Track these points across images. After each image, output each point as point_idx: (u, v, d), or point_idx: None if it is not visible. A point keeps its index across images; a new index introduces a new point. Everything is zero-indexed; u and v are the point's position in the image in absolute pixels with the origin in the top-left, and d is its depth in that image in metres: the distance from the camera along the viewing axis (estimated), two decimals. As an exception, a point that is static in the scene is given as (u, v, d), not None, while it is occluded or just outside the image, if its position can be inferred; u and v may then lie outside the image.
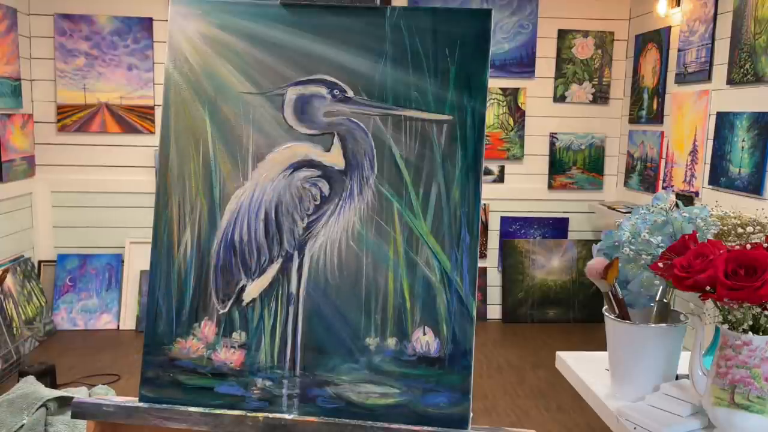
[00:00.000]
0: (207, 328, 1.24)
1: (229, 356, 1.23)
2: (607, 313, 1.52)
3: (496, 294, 5.05)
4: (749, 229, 1.45)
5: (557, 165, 5.01)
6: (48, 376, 3.32)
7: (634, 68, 4.74)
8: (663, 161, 4.28)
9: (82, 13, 4.53)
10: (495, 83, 4.84)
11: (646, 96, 4.54)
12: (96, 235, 4.72)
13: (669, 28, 4.25)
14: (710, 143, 3.67)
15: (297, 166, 1.24)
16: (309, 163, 1.23)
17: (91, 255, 4.68)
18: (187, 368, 1.23)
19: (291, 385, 1.21)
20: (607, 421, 1.48)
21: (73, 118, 4.59)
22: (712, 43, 3.68)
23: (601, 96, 4.97)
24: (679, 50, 4.06)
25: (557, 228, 5.07)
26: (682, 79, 4.01)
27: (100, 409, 1.21)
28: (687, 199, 3.84)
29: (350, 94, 1.23)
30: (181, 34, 1.27)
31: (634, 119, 4.74)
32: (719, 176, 3.55)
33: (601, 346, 1.60)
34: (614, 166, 5.05)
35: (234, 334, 1.23)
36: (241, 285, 1.24)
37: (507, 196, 4.99)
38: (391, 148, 1.22)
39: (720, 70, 3.61)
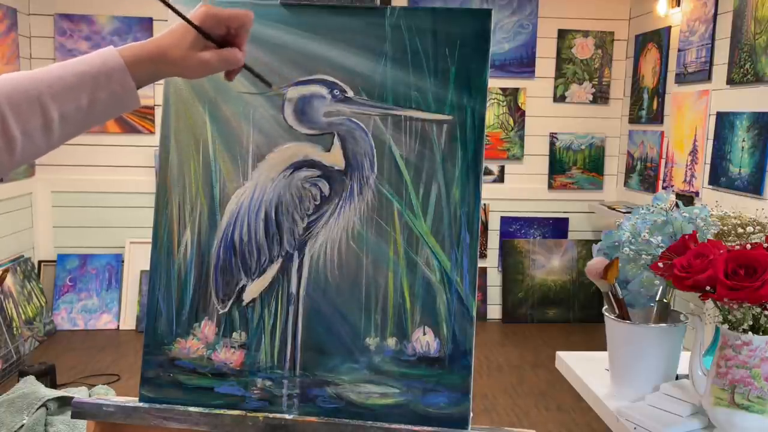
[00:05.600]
0: (207, 328, 1.24)
1: (229, 356, 1.23)
2: (607, 313, 1.52)
3: (496, 294, 5.05)
4: (749, 229, 1.45)
5: (557, 165, 5.01)
6: (48, 376, 3.32)
7: (634, 68, 4.74)
8: (663, 161, 4.28)
9: (82, 13, 4.53)
10: (495, 83, 4.84)
11: (646, 96, 4.54)
12: (96, 235, 4.72)
13: (669, 28, 4.25)
14: (710, 143, 3.67)
15: (297, 166, 1.24)
16: (309, 163, 1.23)
17: (91, 255, 4.68)
18: (187, 368, 1.23)
19: (291, 385, 1.21)
20: (607, 421, 1.48)
21: (73, 118, 4.59)
22: (712, 43, 3.68)
23: (601, 96, 4.97)
24: (679, 50, 4.06)
25: (557, 228, 5.07)
26: (682, 79, 4.01)
27: (100, 409, 1.21)
28: (687, 199, 3.84)
29: (350, 94, 1.23)
30: (181, 34, 1.27)
31: (634, 119, 4.74)
32: (719, 176, 3.55)
33: (601, 346, 1.60)
34: (614, 166, 5.05)
35: (234, 334, 1.23)
36: (241, 285, 1.24)
37: (507, 196, 4.99)
38: (391, 148, 1.22)
39: (720, 70, 3.61)
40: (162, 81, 1.28)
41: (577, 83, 4.94)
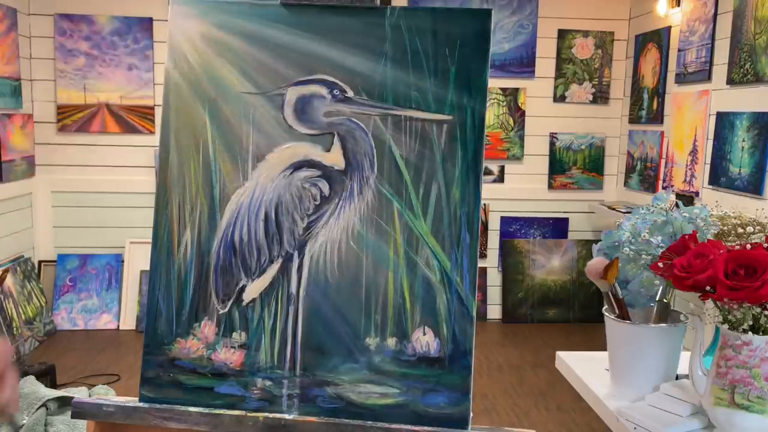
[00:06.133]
0: (207, 328, 1.24)
1: (229, 356, 1.23)
2: (607, 313, 1.52)
3: (496, 294, 5.05)
4: (749, 229, 1.45)
5: (557, 165, 5.01)
6: (48, 376, 3.32)
7: (634, 68, 4.74)
8: (663, 161, 4.28)
9: (82, 13, 4.53)
10: (495, 83, 4.84)
11: (646, 96, 4.54)
12: (96, 235, 4.72)
13: (669, 28, 4.25)
14: (710, 143, 3.67)
15: (297, 166, 1.24)
16: (309, 163, 1.23)
17: (91, 255, 4.68)
18: (187, 368, 1.23)
19: (291, 385, 1.21)
20: (607, 421, 1.48)
21: (73, 118, 4.59)
22: (712, 43, 3.68)
23: (601, 96, 4.97)
24: (679, 50, 4.06)
25: (557, 228, 5.07)
26: (682, 79, 4.01)
27: (100, 409, 1.21)
28: (687, 199, 3.84)
29: (350, 94, 1.23)
30: (181, 34, 1.27)
31: (634, 119, 4.74)
32: (719, 176, 3.55)
33: (601, 346, 1.60)
34: (614, 166, 5.05)
35: (234, 334, 1.23)
36: (241, 285, 1.24)
37: (507, 196, 4.99)
38: (391, 148, 1.22)
39: (720, 70, 3.61)
40: (162, 80, 1.28)
41: (577, 83, 4.94)
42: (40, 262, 4.64)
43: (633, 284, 1.50)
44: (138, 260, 4.65)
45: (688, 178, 3.90)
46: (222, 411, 1.20)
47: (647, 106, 4.52)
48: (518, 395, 3.69)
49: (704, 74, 3.74)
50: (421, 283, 1.20)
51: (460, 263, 1.19)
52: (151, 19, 4.59)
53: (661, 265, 1.32)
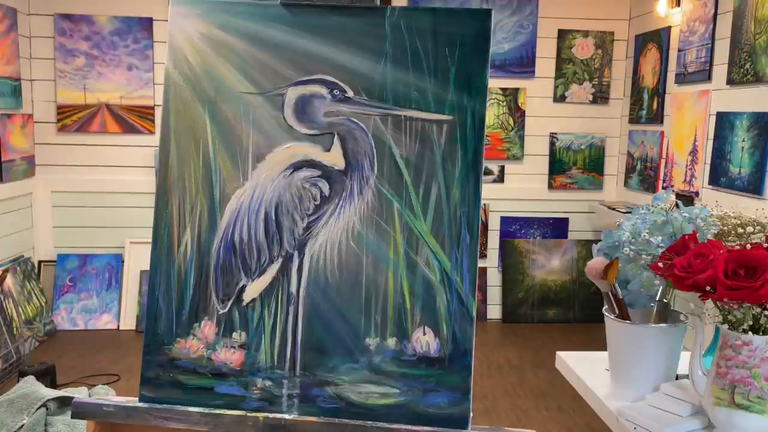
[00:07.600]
0: (207, 328, 1.24)
1: (229, 356, 1.23)
2: (607, 313, 1.52)
3: (496, 294, 5.05)
4: (749, 229, 1.45)
5: (557, 165, 5.01)
6: (48, 376, 3.32)
7: (634, 68, 4.74)
8: (663, 161, 4.28)
9: (82, 13, 4.53)
10: (495, 83, 4.84)
11: (646, 96, 4.54)
12: (96, 235, 4.72)
13: (669, 28, 4.25)
14: (710, 143, 3.67)
15: (297, 166, 1.24)
16: (309, 163, 1.23)
17: (91, 255, 4.68)
18: (187, 368, 1.23)
19: (291, 385, 1.21)
20: (607, 421, 1.48)
21: (73, 118, 4.59)
22: (712, 43, 3.68)
23: (601, 96, 4.96)
24: (679, 50, 4.06)
25: (557, 228, 5.07)
26: (682, 79, 4.01)
27: (100, 409, 1.21)
28: (687, 199, 3.84)
29: (350, 94, 1.23)
30: (181, 34, 1.27)
31: (634, 119, 4.74)
32: (719, 176, 3.55)
33: (601, 346, 1.60)
34: (614, 166, 5.05)
35: (234, 334, 1.23)
36: (241, 285, 1.24)
37: (507, 196, 4.99)
38: (391, 148, 1.22)
39: (720, 70, 3.61)
40: (162, 81, 1.28)
41: (577, 83, 4.94)
42: (40, 262, 4.64)
43: (633, 284, 1.50)
44: (138, 260, 4.65)
45: (688, 178, 3.90)
46: (222, 411, 1.20)
47: (647, 106, 4.52)
48: (518, 395, 3.69)
49: (704, 74, 3.74)
50: (421, 283, 1.20)
51: (460, 263, 1.19)
52: (151, 19, 4.59)
53: (661, 265, 1.32)
